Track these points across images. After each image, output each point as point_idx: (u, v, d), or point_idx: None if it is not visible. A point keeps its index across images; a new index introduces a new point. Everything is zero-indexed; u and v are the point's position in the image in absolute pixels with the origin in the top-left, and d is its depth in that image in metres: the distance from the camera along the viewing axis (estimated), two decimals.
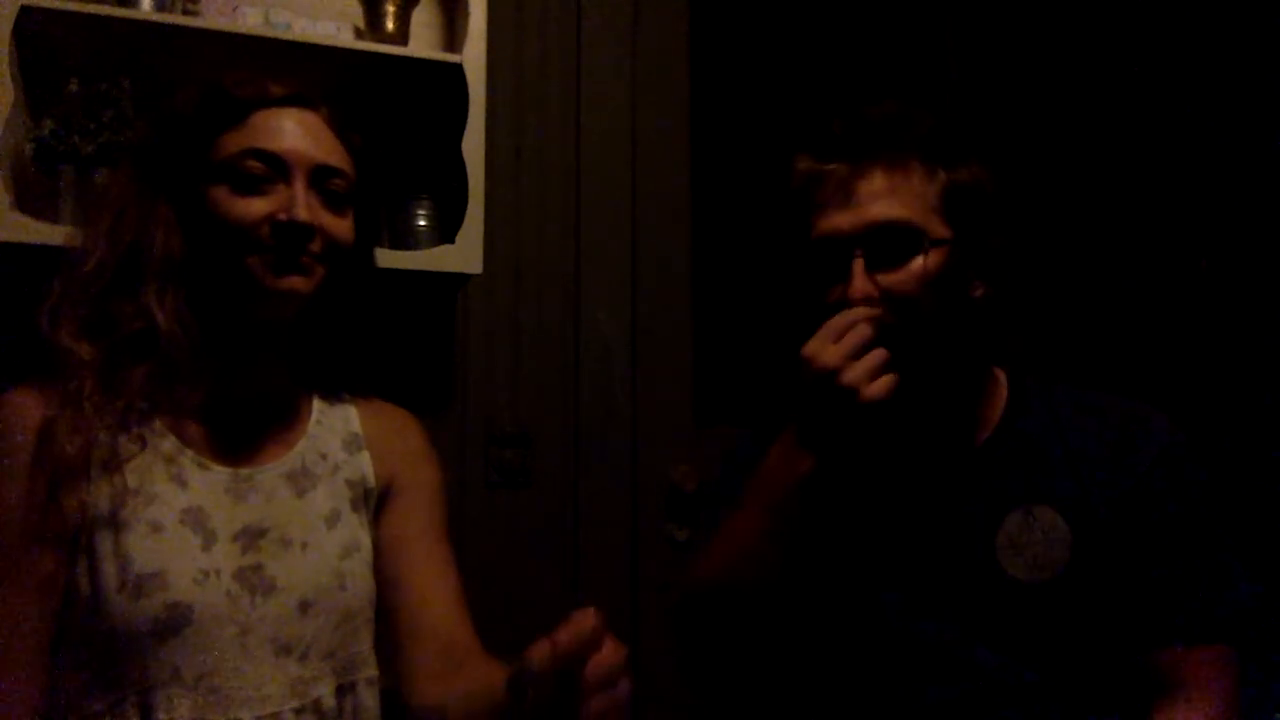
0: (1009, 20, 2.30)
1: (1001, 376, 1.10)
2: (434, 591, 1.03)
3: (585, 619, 0.74)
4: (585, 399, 1.94)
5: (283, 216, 0.93)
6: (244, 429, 0.99)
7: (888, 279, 0.98)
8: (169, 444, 0.94)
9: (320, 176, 0.97)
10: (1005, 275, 1.05)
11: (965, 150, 1.03)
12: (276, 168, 0.94)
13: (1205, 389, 2.08)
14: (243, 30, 1.58)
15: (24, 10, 1.42)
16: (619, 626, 0.76)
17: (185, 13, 1.59)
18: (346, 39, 1.69)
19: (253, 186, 0.94)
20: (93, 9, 1.47)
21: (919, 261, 0.98)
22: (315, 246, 0.95)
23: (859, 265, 0.98)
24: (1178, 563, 0.99)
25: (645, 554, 1.94)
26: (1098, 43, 2.31)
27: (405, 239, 1.72)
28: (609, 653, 0.74)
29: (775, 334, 2.09)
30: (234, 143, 0.94)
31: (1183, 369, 2.12)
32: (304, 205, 0.94)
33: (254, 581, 0.92)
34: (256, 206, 0.93)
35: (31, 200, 1.46)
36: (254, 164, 0.94)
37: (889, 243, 0.98)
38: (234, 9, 1.65)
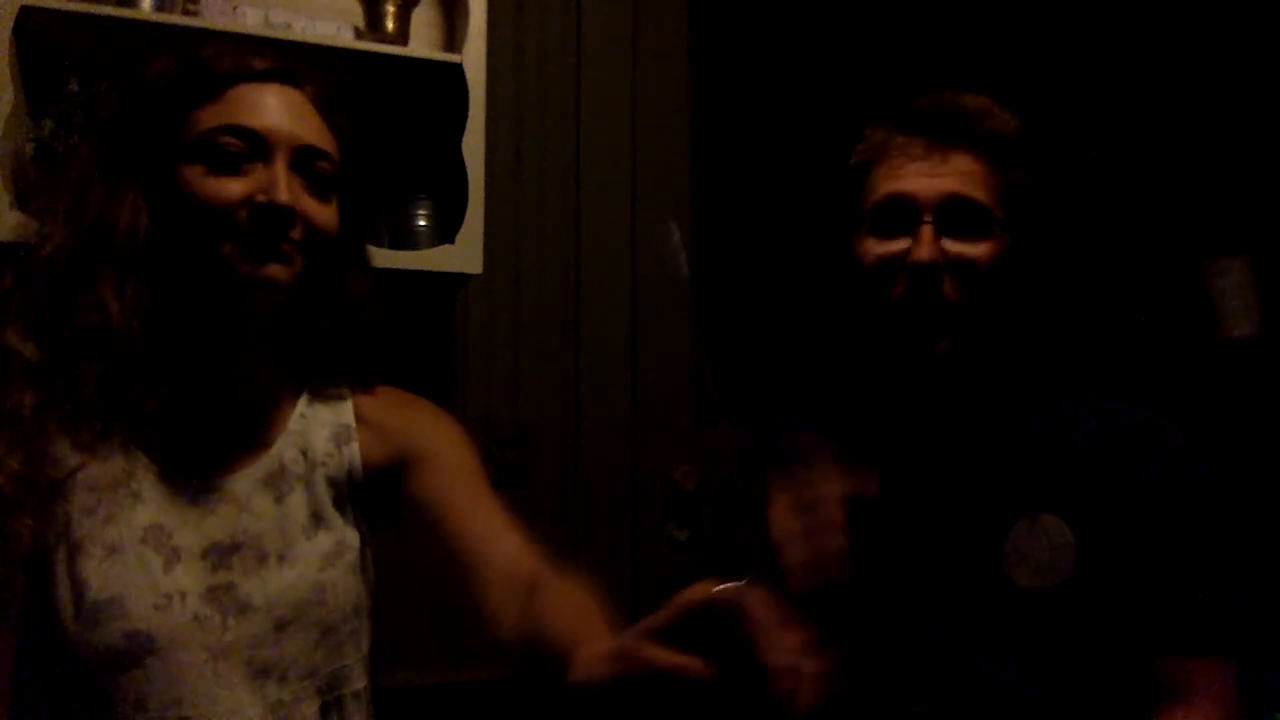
0: (1009, 20, 2.30)
1: (1011, 382, 1.09)
2: (490, 534, 0.94)
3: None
4: (585, 399, 1.94)
5: (262, 198, 0.84)
6: (214, 434, 0.90)
7: (957, 248, 0.98)
8: (128, 455, 0.86)
9: (303, 158, 0.88)
10: (1047, 285, 1.05)
11: (1035, 158, 1.04)
12: (256, 146, 0.86)
13: (1204, 391, 2.08)
14: (243, 30, 1.58)
15: (24, 10, 1.43)
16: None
17: (185, 13, 1.59)
18: (346, 39, 1.69)
19: (230, 166, 0.85)
20: (93, 9, 1.47)
21: (987, 242, 0.98)
22: (296, 233, 0.86)
23: (929, 230, 0.97)
24: (1183, 574, 0.99)
25: (645, 554, 1.94)
26: (1097, 45, 2.31)
27: (405, 239, 1.72)
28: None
29: (782, 331, 2.09)
30: (210, 118, 0.86)
31: (1181, 372, 2.12)
32: (285, 187, 0.85)
33: (225, 602, 0.85)
34: (233, 187, 0.84)
35: (31, 200, 1.46)
36: (231, 141, 0.85)
37: (963, 218, 0.98)
38: (234, 9, 1.65)
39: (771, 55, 2.24)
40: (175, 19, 1.54)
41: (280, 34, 1.59)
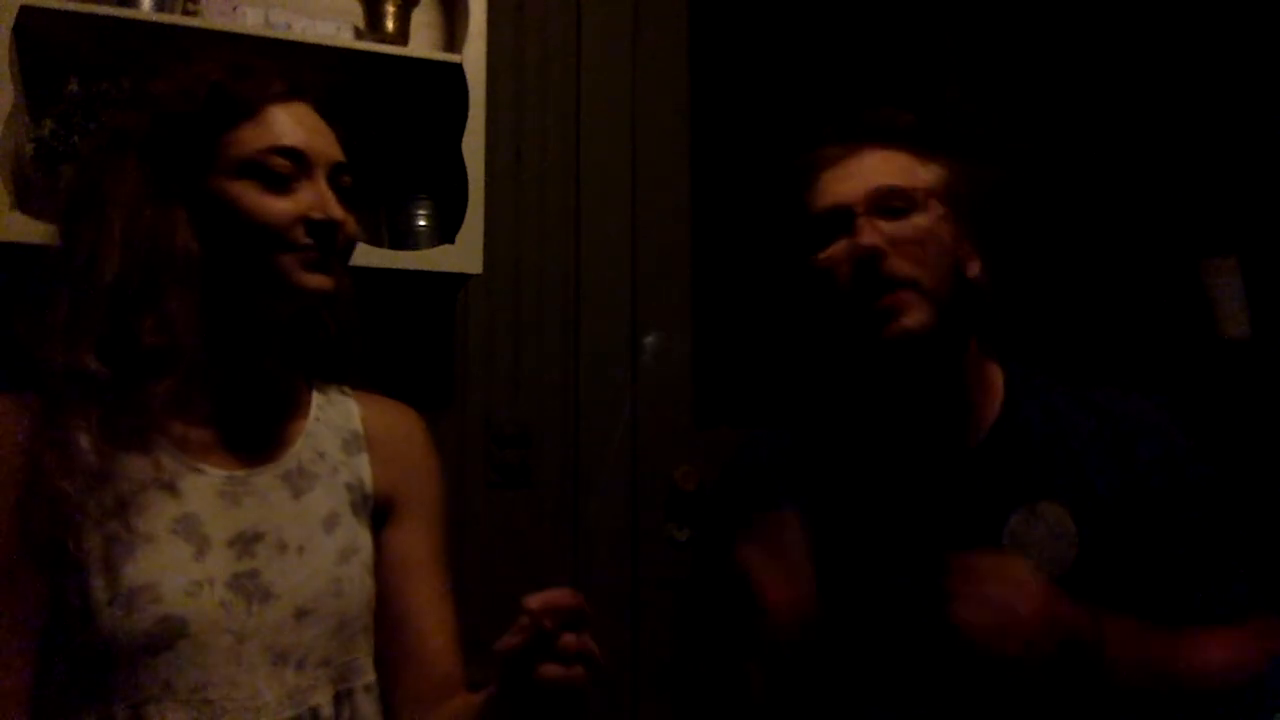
0: (1009, 22, 2.30)
1: (997, 375, 1.11)
2: (433, 624, 1.01)
3: (566, 594, 0.80)
4: (585, 399, 1.94)
5: (318, 215, 0.92)
6: (240, 429, 0.96)
7: (890, 228, 1.03)
8: (162, 449, 0.91)
9: (335, 173, 0.96)
10: (999, 260, 1.10)
11: (958, 144, 1.10)
12: (301, 165, 0.93)
13: (1201, 391, 2.08)
14: (243, 30, 1.58)
15: (24, 10, 1.42)
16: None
17: (185, 13, 1.59)
18: (346, 39, 1.69)
19: (280, 184, 0.92)
20: (93, 9, 1.47)
21: (918, 216, 1.04)
22: (340, 244, 0.95)
23: (865, 220, 1.04)
24: (1187, 554, 1.00)
25: (645, 554, 1.94)
26: (1097, 45, 2.31)
27: (405, 239, 1.72)
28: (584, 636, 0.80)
29: (778, 325, 2.09)
30: (254, 139, 0.92)
31: (1177, 364, 2.12)
32: (335, 204, 0.93)
33: (249, 589, 0.90)
34: (286, 205, 0.92)
35: (31, 200, 1.46)
36: (281, 161, 0.92)
37: (889, 204, 1.05)
38: (234, 9, 1.65)
39: (772, 55, 2.24)
40: (175, 19, 1.54)
41: (280, 34, 1.59)
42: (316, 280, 0.93)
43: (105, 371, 0.87)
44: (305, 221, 0.92)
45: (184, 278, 0.90)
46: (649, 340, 1.96)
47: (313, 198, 0.93)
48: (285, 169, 0.92)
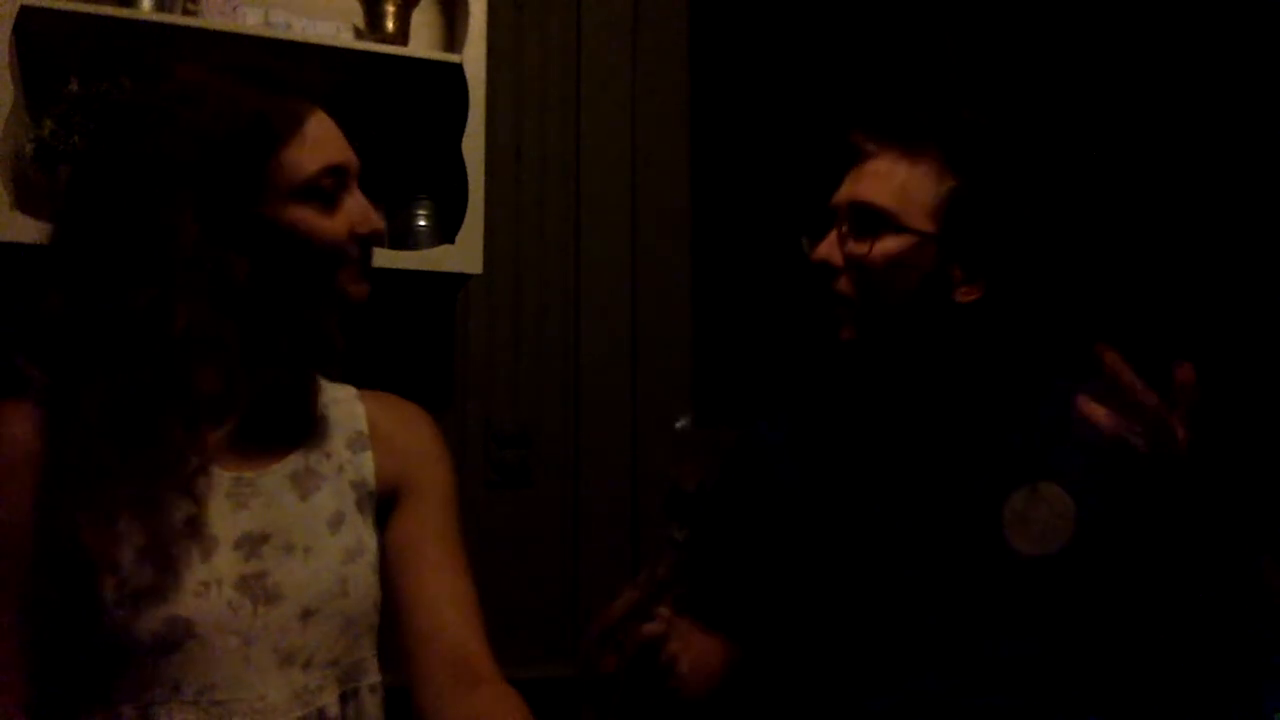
0: (1009, 24, 2.30)
1: (1004, 374, 1.13)
2: (447, 605, 0.99)
3: None
4: (585, 399, 1.94)
5: (364, 229, 0.93)
6: (250, 431, 0.95)
7: (854, 249, 1.06)
8: (172, 451, 0.89)
9: (360, 179, 0.97)
10: (1003, 287, 1.08)
11: (986, 159, 1.07)
12: (342, 179, 0.94)
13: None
14: (243, 30, 1.58)
15: (24, 10, 1.43)
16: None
17: (185, 13, 1.59)
18: (346, 39, 1.69)
19: (331, 202, 0.92)
20: (93, 9, 1.47)
21: (885, 241, 1.04)
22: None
23: (833, 234, 1.08)
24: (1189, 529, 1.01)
25: (645, 554, 1.94)
26: (1098, 46, 2.31)
27: (405, 239, 1.72)
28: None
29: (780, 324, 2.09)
30: (305, 160, 0.90)
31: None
32: (375, 212, 0.95)
33: (256, 590, 0.89)
34: (338, 222, 0.92)
35: (31, 200, 1.46)
36: (330, 181, 0.92)
37: (864, 221, 1.06)
38: (234, 9, 1.65)
39: (772, 55, 2.24)
40: (175, 19, 1.54)
41: (280, 34, 1.60)
42: (364, 288, 0.95)
43: (173, 439, 0.86)
44: (358, 236, 0.93)
45: (241, 319, 0.90)
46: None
47: (356, 210, 0.94)
48: (333, 186, 0.92)
